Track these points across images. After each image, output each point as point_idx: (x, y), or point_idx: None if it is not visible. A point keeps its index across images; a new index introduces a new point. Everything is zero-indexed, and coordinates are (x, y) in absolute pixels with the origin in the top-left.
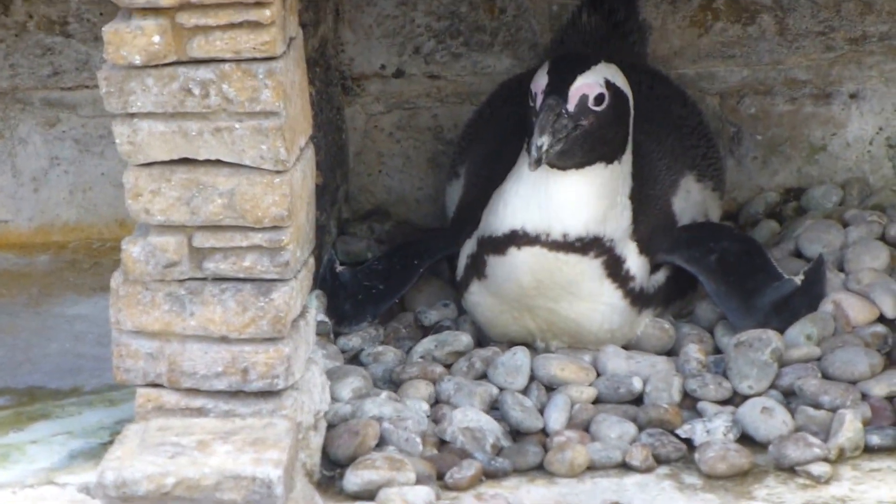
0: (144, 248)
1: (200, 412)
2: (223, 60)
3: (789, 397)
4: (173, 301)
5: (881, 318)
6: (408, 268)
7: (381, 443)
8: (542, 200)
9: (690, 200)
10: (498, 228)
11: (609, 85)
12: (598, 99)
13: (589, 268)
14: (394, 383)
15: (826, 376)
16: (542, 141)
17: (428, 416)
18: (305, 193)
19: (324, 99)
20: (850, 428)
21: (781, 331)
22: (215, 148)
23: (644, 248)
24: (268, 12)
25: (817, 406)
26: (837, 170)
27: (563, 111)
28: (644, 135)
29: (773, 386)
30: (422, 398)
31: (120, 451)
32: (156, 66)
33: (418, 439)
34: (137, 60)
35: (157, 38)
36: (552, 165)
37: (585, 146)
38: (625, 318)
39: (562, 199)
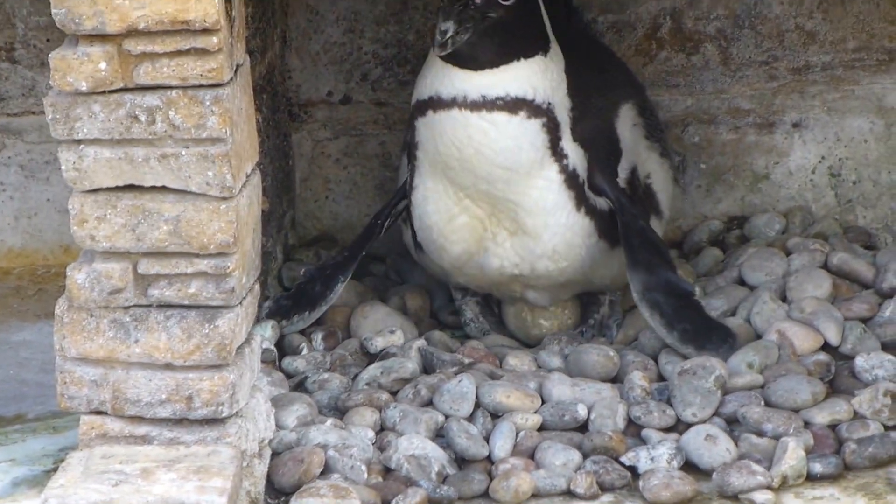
0: (89, 274)
1: (144, 440)
2: (170, 87)
3: (732, 425)
4: (118, 328)
5: (825, 346)
6: (369, 227)
7: (326, 470)
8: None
9: (632, 135)
10: (419, 95)
11: None
12: None
13: (522, 129)
14: (339, 410)
15: (769, 404)
16: (447, 26)
17: (373, 444)
18: (251, 220)
19: (271, 125)
20: (792, 456)
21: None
22: (161, 174)
23: (580, 140)
24: (214, 39)
25: (760, 434)
26: (780, 198)
27: (470, 3)
28: (582, 59)
29: (716, 413)
30: (367, 425)
31: (63, 479)
32: (102, 93)
33: (363, 467)
34: (84, 87)
35: (103, 65)
36: (465, 65)
37: (496, 39)
38: (561, 203)
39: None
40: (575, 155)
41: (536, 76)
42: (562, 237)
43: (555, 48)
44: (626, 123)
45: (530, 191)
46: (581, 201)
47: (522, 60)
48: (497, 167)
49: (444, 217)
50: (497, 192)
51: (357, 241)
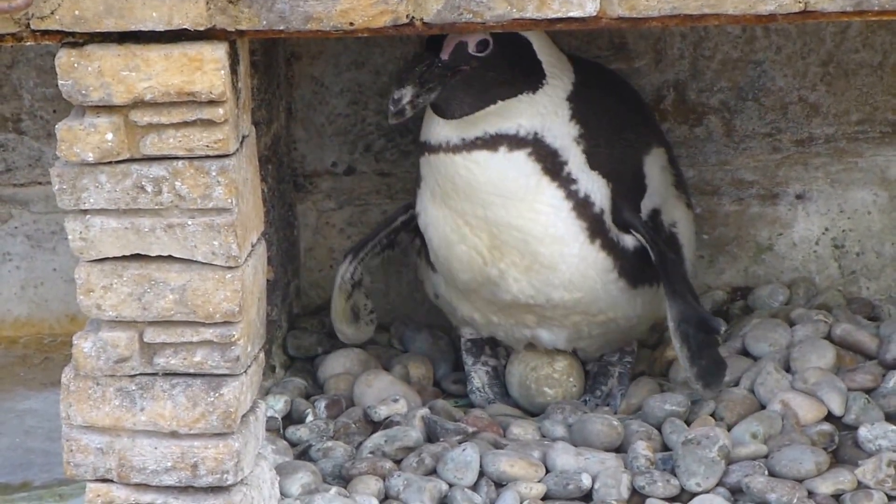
0: (95, 343)
1: None
2: (176, 158)
3: (736, 494)
4: (123, 396)
5: (828, 417)
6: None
7: None
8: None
9: (661, 179)
10: (421, 136)
11: (495, 35)
12: (481, 45)
13: (506, 162)
14: (343, 479)
15: (773, 474)
16: (401, 93)
17: None
18: (257, 289)
19: (276, 195)
20: None
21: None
22: (167, 244)
23: (599, 169)
24: (220, 111)
25: (765, 503)
26: (784, 269)
27: (436, 61)
28: (614, 94)
29: (720, 483)
30: (371, 494)
31: None
32: (109, 163)
33: None
34: (90, 157)
35: (110, 136)
36: (444, 115)
37: (472, 90)
38: (572, 231)
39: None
40: (589, 182)
41: (520, 113)
42: (576, 267)
43: (554, 79)
44: (656, 166)
45: (538, 216)
46: (597, 232)
47: (501, 102)
48: (491, 195)
49: (444, 244)
50: (497, 217)
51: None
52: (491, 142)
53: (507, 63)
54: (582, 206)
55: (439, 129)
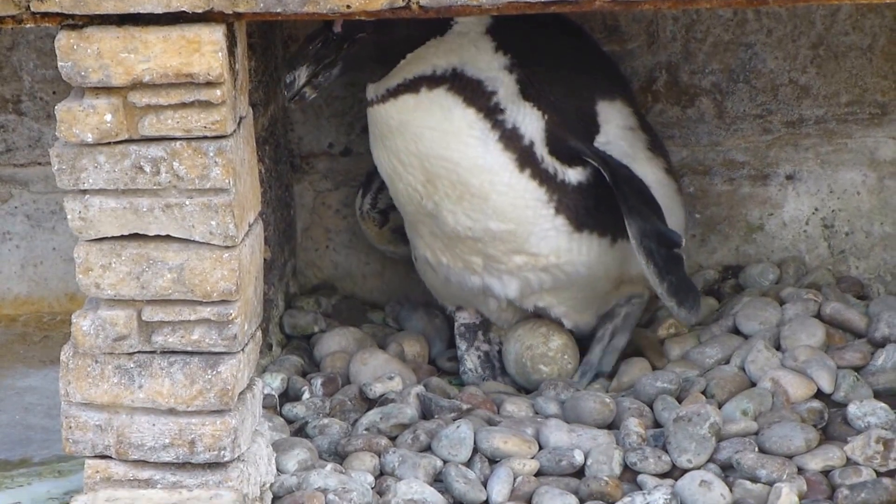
0: (94, 321)
1: (148, 483)
2: (174, 139)
3: (727, 471)
4: (122, 374)
5: (818, 394)
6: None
7: None
8: None
9: (623, 135)
10: None
11: None
12: None
13: (428, 100)
14: (339, 455)
15: (763, 450)
16: (294, 75)
17: (372, 488)
18: (254, 268)
19: (273, 176)
20: (786, 501)
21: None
22: (165, 224)
23: (532, 99)
24: (218, 92)
25: (754, 479)
26: (774, 249)
27: (331, 35)
28: (563, 38)
29: (711, 459)
30: (366, 470)
31: None
32: (107, 144)
33: None
34: (89, 138)
35: (108, 117)
36: (370, 80)
37: (376, 53)
38: (500, 161)
39: None
40: (519, 113)
41: (432, 55)
42: (505, 196)
43: (463, 21)
44: (615, 119)
45: (465, 149)
46: (526, 163)
47: (410, 54)
48: (421, 129)
49: (388, 182)
50: (428, 150)
51: None
52: (411, 85)
53: (404, 21)
54: (509, 136)
55: (371, 87)
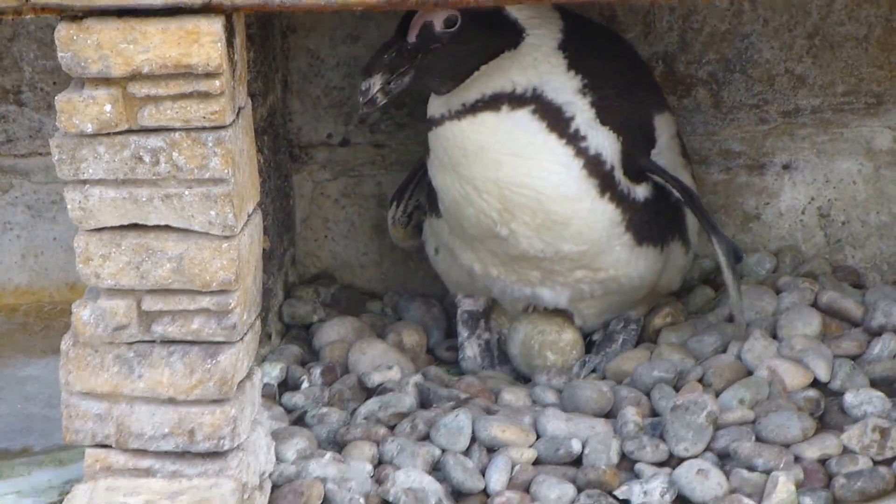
0: (94, 311)
1: (148, 472)
2: (173, 129)
3: (724, 459)
4: (122, 363)
5: (814, 383)
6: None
7: (325, 503)
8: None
9: (669, 144)
10: (427, 113)
11: (464, 11)
12: (449, 22)
13: (510, 121)
14: (338, 444)
15: (760, 439)
16: (369, 83)
17: (371, 477)
18: (253, 258)
19: (272, 166)
20: (783, 490)
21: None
22: (165, 214)
23: (608, 123)
24: (217, 83)
25: (751, 468)
26: (770, 238)
27: (405, 45)
28: (617, 49)
29: (708, 448)
30: (365, 459)
31: None
32: (107, 135)
33: (362, 500)
34: (89, 129)
35: (108, 108)
36: (437, 92)
37: (448, 64)
38: (584, 189)
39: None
40: (599, 138)
41: (508, 68)
42: (585, 221)
43: (535, 30)
44: (666, 129)
45: (549, 176)
46: (607, 187)
47: (484, 66)
48: (502, 154)
49: (454, 206)
50: (508, 177)
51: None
52: (491, 102)
53: (478, 31)
54: (593, 163)
55: (439, 103)
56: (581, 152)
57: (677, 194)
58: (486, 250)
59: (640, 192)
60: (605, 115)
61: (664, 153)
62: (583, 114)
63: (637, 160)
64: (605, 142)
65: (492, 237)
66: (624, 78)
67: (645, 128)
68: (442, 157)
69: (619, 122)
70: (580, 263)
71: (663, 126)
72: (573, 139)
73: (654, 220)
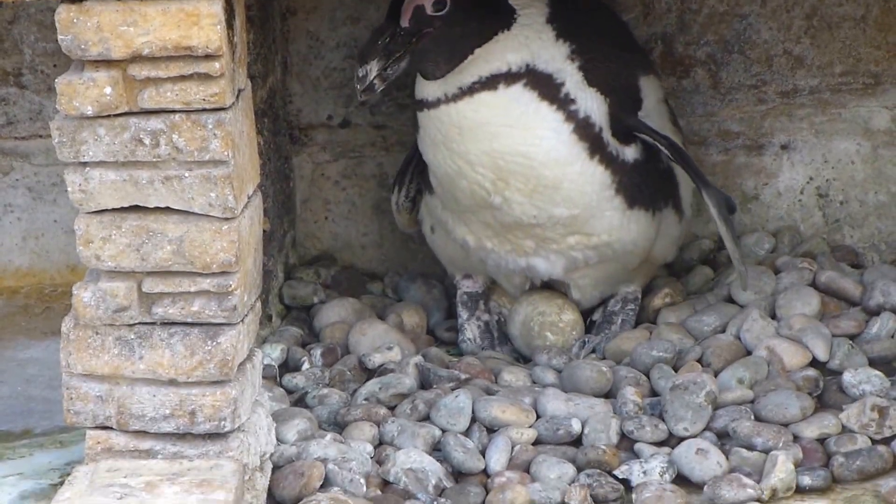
0: (95, 293)
1: (149, 454)
2: (173, 111)
3: (723, 439)
4: (123, 345)
5: (813, 362)
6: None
7: (326, 484)
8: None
9: (657, 109)
10: (415, 94)
11: None
12: (438, 4)
13: (506, 97)
14: (338, 425)
15: (759, 419)
16: (366, 69)
17: (372, 458)
18: (253, 240)
19: (272, 148)
20: (782, 469)
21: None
22: (165, 196)
23: (596, 85)
24: (217, 65)
25: (750, 447)
26: (769, 218)
27: (398, 30)
28: (601, 16)
29: (707, 428)
30: (366, 440)
31: (69, 493)
32: (107, 117)
33: (362, 480)
34: (89, 111)
35: (108, 90)
36: (430, 77)
37: (443, 49)
38: (574, 152)
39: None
40: (588, 101)
41: (503, 50)
42: (576, 183)
43: (526, 9)
44: (652, 93)
45: (540, 142)
46: (596, 149)
47: (478, 49)
48: (497, 127)
49: (447, 180)
50: (503, 147)
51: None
52: (488, 83)
53: (469, 14)
54: (582, 126)
55: (434, 87)
56: (571, 116)
57: (665, 151)
58: (479, 222)
59: (630, 153)
60: (591, 77)
61: (652, 116)
62: (572, 78)
63: (624, 120)
64: (593, 104)
65: (485, 207)
66: (609, 41)
67: (631, 89)
68: (434, 135)
69: (605, 83)
70: (572, 229)
71: (649, 88)
72: (563, 104)
73: (644, 184)
